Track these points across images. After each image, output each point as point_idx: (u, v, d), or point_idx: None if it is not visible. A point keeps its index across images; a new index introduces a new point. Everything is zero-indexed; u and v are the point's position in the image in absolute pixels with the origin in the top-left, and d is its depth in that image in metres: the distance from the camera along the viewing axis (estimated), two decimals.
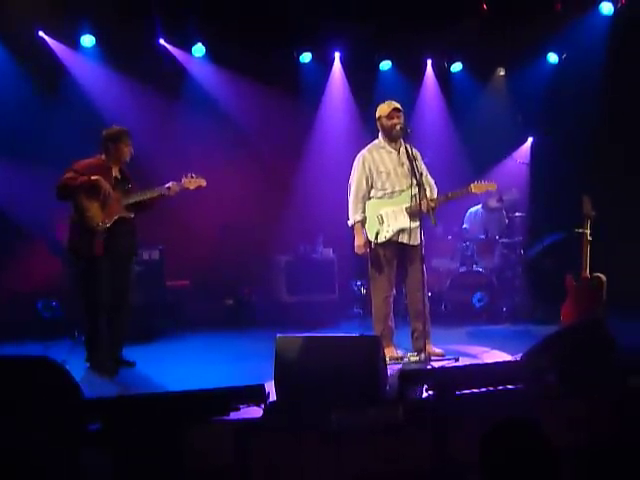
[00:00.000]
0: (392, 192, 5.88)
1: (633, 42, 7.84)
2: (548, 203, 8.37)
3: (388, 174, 5.89)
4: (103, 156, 5.67)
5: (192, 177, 5.78)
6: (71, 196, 5.49)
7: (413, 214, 5.80)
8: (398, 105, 5.83)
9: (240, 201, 8.19)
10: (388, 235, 5.86)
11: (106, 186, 5.49)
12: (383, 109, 5.88)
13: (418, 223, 5.74)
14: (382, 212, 5.89)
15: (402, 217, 5.86)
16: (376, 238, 5.85)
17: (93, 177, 5.47)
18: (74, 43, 7.68)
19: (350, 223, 5.96)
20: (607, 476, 3.39)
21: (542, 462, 2.34)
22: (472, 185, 5.96)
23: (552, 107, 8.76)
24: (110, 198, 5.51)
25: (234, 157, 8.23)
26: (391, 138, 5.89)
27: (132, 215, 5.68)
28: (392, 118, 5.83)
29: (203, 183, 5.83)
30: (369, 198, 5.93)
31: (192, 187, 5.79)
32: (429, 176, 6.06)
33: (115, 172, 5.70)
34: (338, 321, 7.75)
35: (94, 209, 5.48)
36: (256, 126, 8.35)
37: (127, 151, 5.67)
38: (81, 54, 7.76)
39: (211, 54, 8.23)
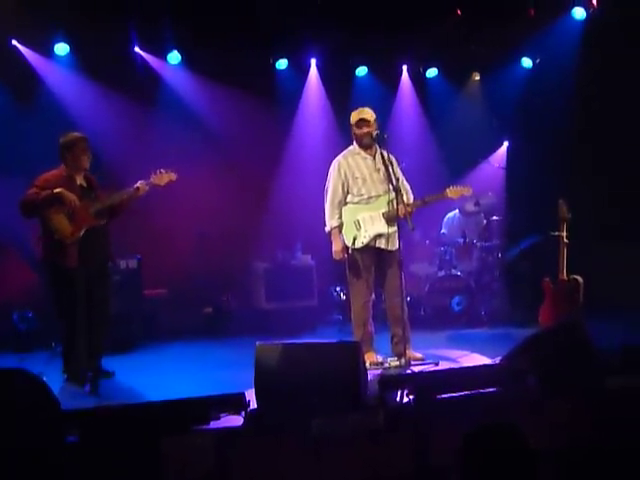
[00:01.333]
0: (369, 197, 5.91)
1: (605, 46, 7.91)
2: (524, 206, 8.41)
3: (364, 180, 5.92)
4: (63, 166, 5.58)
5: (161, 172, 5.72)
6: (36, 212, 5.40)
7: (390, 219, 5.83)
8: (366, 115, 5.85)
9: (217, 208, 8.15)
10: (365, 240, 5.88)
11: (70, 197, 5.39)
12: (353, 117, 5.93)
13: (395, 228, 5.81)
14: (359, 217, 5.92)
15: (379, 222, 5.89)
16: (353, 243, 5.87)
17: (56, 190, 5.37)
18: (48, 51, 7.62)
19: (327, 229, 5.98)
20: (586, 478, 3.42)
21: (521, 464, 2.37)
22: (448, 190, 5.99)
23: (526, 111, 8.84)
24: (77, 208, 5.42)
25: (211, 164, 8.19)
26: (362, 146, 5.95)
27: (103, 222, 5.61)
28: (360, 128, 5.89)
29: (173, 177, 5.75)
30: (346, 204, 5.96)
31: (162, 183, 5.73)
32: (405, 181, 6.09)
33: (79, 180, 5.61)
34: (318, 327, 7.77)
35: (62, 222, 5.40)
36: (232, 132, 8.29)
37: (85, 158, 5.56)
38: (55, 62, 7.70)
39: (187, 61, 8.19)
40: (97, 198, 5.62)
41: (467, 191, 6.10)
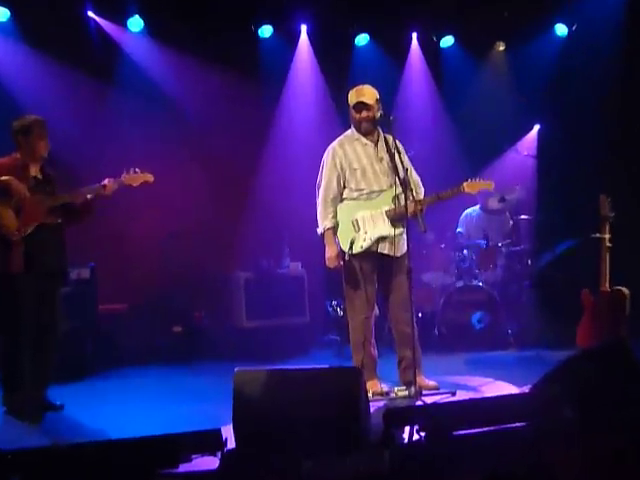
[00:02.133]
0: (369, 192, 5.91)
1: None
2: (559, 203, 8.46)
3: (364, 171, 5.92)
4: (18, 154, 5.62)
5: (135, 172, 5.76)
6: None
7: (396, 219, 5.81)
8: (366, 97, 5.84)
9: (188, 206, 8.18)
10: (365, 244, 5.86)
11: (19, 188, 5.42)
12: (351, 98, 5.93)
13: (402, 229, 5.80)
14: (358, 216, 5.89)
15: (382, 222, 5.87)
16: (351, 248, 5.83)
17: (2, 178, 5.42)
18: None
19: (319, 231, 5.99)
20: None
21: None
22: (465, 184, 5.97)
23: (561, 88, 8.83)
24: (26, 201, 5.44)
25: (181, 153, 8.23)
26: (360, 132, 5.96)
27: (58, 221, 5.62)
28: (359, 111, 5.89)
29: (150, 178, 5.82)
30: (342, 200, 5.96)
31: (135, 184, 5.77)
32: (414, 173, 6.07)
33: (34, 171, 5.64)
34: (310, 350, 7.83)
35: (7, 216, 5.40)
36: (207, 115, 8.34)
37: (43, 145, 5.60)
38: None
39: (151, 28, 8.24)
40: (54, 193, 5.63)
41: (489, 185, 6.09)
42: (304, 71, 8.97)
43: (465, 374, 6.56)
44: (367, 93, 5.85)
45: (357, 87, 5.93)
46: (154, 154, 7.44)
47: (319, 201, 5.97)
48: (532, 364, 6.60)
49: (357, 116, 5.88)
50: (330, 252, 5.90)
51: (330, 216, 5.90)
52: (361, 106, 5.84)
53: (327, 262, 5.95)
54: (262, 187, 8.58)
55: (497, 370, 6.58)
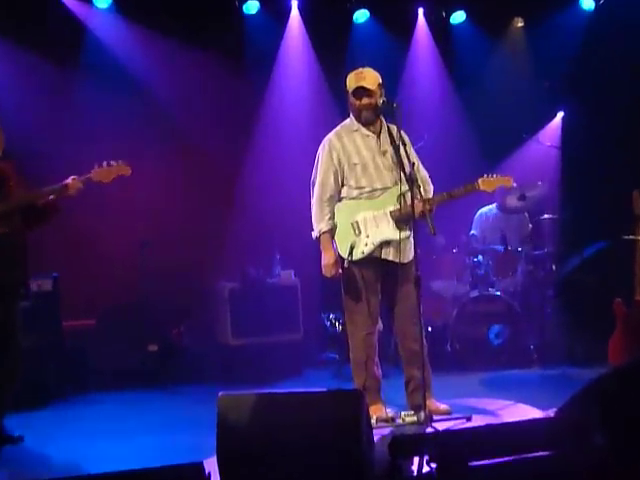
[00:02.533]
0: (371, 191, 5.89)
1: None
2: (587, 200, 8.40)
3: (365, 166, 5.89)
4: None
5: (110, 165, 5.71)
6: None
7: (401, 220, 5.80)
8: (366, 81, 5.82)
9: (166, 208, 8.16)
10: (367, 249, 5.85)
11: None
12: (349, 82, 5.91)
13: (409, 233, 5.79)
14: (358, 218, 5.88)
15: (386, 224, 5.86)
16: (350, 254, 5.82)
17: None
18: None
19: (315, 235, 5.97)
20: None
21: None
22: (480, 180, 5.95)
23: (588, 69, 8.80)
24: None
25: (156, 147, 8.23)
26: (361, 121, 5.94)
27: (15, 226, 5.55)
28: (359, 97, 5.88)
29: (126, 171, 5.78)
30: (340, 199, 5.94)
31: (107, 180, 5.72)
32: (422, 167, 6.07)
33: None
34: (304, 371, 7.78)
35: None
36: (185, 104, 8.35)
37: None
38: None
39: (120, 4, 8.23)
40: (9, 194, 5.56)
41: (508, 182, 6.11)
42: (295, 53, 8.93)
43: (482, 396, 6.54)
44: (368, 77, 5.83)
45: (356, 70, 5.91)
46: (125, 149, 7.25)
47: (314, 201, 5.95)
48: (558, 384, 6.60)
49: (357, 103, 5.87)
50: (327, 258, 5.89)
51: (327, 217, 5.89)
52: (361, 92, 5.82)
53: (324, 270, 5.93)
54: (250, 185, 8.54)
55: (518, 391, 6.57)
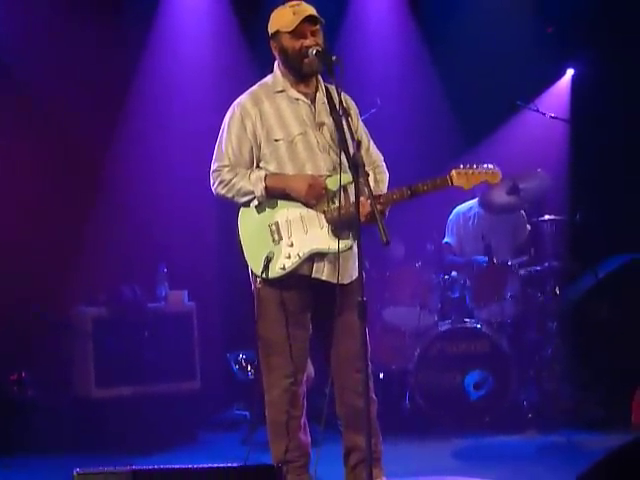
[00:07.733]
0: None
1: None
2: (604, 198, 7.77)
3: (291, 145, 5.05)
4: None
5: None
6: None
7: (341, 223, 4.93)
8: (312, 11, 5.01)
9: (9, 211, 7.24)
10: (290, 264, 5.00)
11: None
12: (283, 19, 5.07)
13: (351, 241, 4.98)
14: (278, 218, 5.06)
15: (319, 229, 5.03)
16: (266, 270, 4.98)
17: None
18: None
19: (258, 193, 5.00)
20: None
21: None
22: (455, 172, 5.10)
23: (607, 12, 8.08)
24: None
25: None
26: (300, 74, 5.08)
27: None
28: (303, 36, 5.01)
29: None
30: None
31: None
32: (373, 147, 5.29)
33: None
34: (200, 435, 7.14)
35: None
36: (41, 77, 7.48)
37: None
38: None
39: None
40: None
41: (493, 177, 5.18)
42: None
43: (455, 473, 5.84)
44: (310, 8, 5.06)
45: (290, 3, 5.11)
46: None
47: (218, 178, 5.06)
48: (561, 456, 5.99)
49: (298, 45, 5.00)
50: (296, 181, 4.98)
51: (250, 171, 4.99)
52: (306, 27, 4.97)
53: (306, 198, 4.97)
54: (121, 177, 7.68)
55: (506, 466, 5.96)
